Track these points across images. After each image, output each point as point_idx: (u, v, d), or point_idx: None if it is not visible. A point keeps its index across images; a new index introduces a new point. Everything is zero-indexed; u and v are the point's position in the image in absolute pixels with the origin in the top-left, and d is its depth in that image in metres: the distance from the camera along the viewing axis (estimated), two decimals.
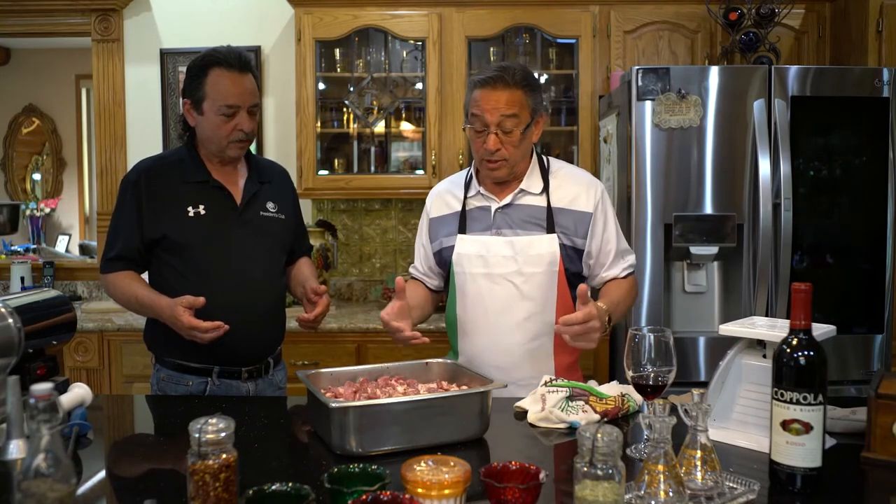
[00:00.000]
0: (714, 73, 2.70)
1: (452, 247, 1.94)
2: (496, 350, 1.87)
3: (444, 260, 1.98)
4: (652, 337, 1.35)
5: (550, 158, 1.99)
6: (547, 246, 1.86)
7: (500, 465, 1.12)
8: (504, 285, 1.87)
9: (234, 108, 1.93)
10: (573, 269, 1.90)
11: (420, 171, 3.42)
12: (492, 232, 1.90)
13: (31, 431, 0.92)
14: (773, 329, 1.44)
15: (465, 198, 1.96)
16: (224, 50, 1.96)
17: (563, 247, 1.87)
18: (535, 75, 1.92)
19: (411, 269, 2.10)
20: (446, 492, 1.02)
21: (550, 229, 1.87)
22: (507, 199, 1.90)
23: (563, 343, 1.81)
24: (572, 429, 1.52)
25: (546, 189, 1.91)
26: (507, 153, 1.84)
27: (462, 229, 1.94)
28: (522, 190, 1.90)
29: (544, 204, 1.89)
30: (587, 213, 1.89)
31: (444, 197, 2.01)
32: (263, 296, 2.01)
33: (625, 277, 1.94)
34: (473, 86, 1.86)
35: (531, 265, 1.85)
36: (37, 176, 6.61)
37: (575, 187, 1.92)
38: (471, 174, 1.98)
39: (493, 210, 1.91)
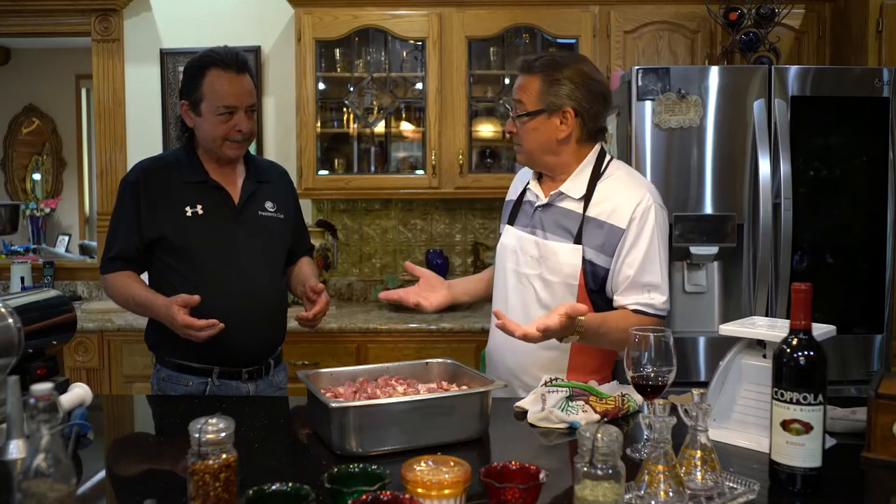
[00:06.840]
0: (714, 73, 2.70)
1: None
2: (510, 351, 1.81)
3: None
4: (652, 337, 1.35)
5: (615, 163, 1.82)
6: (569, 256, 1.73)
7: (500, 465, 1.13)
8: (527, 286, 1.80)
9: (231, 108, 1.93)
10: (596, 287, 1.74)
11: (420, 171, 3.42)
12: (529, 229, 1.84)
13: (31, 431, 0.92)
14: (773, 329, 1.44)
15: (525, 188, 1.91)
16: (221, 50, 1.96)
17: (585, 261, 1.72)
18: (561, 69, 1.75)
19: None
20: (446, 492, 1.02)
21: (578, 240, 1.74)
22: (546, 199, 1.82)
23: (580, 361, 1.76)
24: (572, 429, 1.52)
25: (587, 196, 1.77)
26: (518, 138, 1.80)
27: (512, 220, 1.90)
28: (561, 192, 1.79)
29: (580, 211, 1.76)
30: (619, 228, 1.71)
31: (516, 183, 1.98)
32: (263, 296, 2.01)
33: (635, 312, 1.69)
34: None
35: (552, 273, 1.75)
36: (37, 176, 6.61)
37: (618, 198, 1.73)
38: None
39: (534, 207, 1.85)
